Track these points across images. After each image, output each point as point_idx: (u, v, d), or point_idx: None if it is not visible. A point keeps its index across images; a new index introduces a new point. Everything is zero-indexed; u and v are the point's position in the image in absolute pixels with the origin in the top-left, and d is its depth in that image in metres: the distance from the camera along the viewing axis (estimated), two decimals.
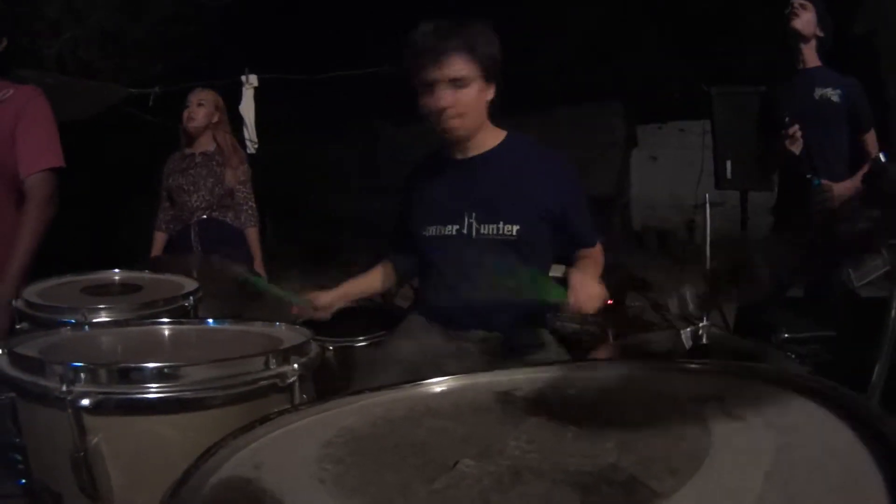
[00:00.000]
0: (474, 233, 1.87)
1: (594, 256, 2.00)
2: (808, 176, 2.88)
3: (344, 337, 2.35)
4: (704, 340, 2.17)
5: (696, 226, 8.83)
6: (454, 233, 1.89)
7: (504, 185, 1.88)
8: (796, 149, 2.87)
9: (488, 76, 1.83)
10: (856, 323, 2.64)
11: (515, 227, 1.86)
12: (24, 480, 1.44)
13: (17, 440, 1.32)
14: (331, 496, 0.70)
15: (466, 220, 1.88)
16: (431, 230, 1.93)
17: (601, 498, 0.65)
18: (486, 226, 1.87)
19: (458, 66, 1.78)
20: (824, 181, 2.87)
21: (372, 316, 2.67)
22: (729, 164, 4.57)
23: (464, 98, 1.81)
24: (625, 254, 6.84)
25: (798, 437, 0.73)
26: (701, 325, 2.15)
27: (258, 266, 3.34)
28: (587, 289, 1.66)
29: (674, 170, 9.17)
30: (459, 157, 1.94)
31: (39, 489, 1.27)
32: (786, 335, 2.70)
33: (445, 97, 1.79)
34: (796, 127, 2.85)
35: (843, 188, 2.86)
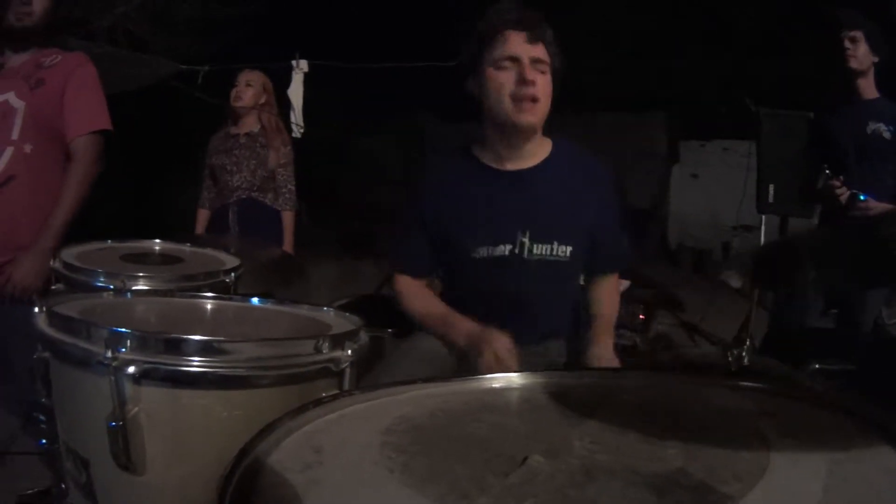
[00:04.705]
0: (527, 253, 1.72)
1: (609, 316, 1.84)
2: (854, 191, 2.83)
3: (374, 326, 2.32)
4: (746, 362, 2.14)
5: (732, 248, 8.70)
6: (507, 253, 1.73)
7: (557, 203, 1.75)
8: (842, 199, 2.84)
9: (553, 75, 1.71)
10: (884, 359, 2.58)
11: (569, 249, 1.74)
12: (44, 441, 1.41)
13: (44, 401, 1.28)
14: (404, 485, 0.68)
15: (520, 239, 1.72)
16: (482, 251, 1.74)
17: (676, 499, 0.66)
18: (540, 246, 1.73)
19: (542, 49, 1.67)
20: (870, 199, 2.84)
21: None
22: (772, 187, 4.46)
23: (542, 83, 1.66)
24: (658, 271, 6.75)
25: (848, 455, 0.76)
26: (745, 346, 2.12)
27: (288, 248, 3.33)
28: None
29: (714, 189, 9.03)
30: (507, 167, 1.77)
31: (66, 452, 1.23)
32: (816, 366, 2.64)
33: (532, 74, 1.63)
34: (843, 188, 2.83)
35: (885, 207, 2.82)
